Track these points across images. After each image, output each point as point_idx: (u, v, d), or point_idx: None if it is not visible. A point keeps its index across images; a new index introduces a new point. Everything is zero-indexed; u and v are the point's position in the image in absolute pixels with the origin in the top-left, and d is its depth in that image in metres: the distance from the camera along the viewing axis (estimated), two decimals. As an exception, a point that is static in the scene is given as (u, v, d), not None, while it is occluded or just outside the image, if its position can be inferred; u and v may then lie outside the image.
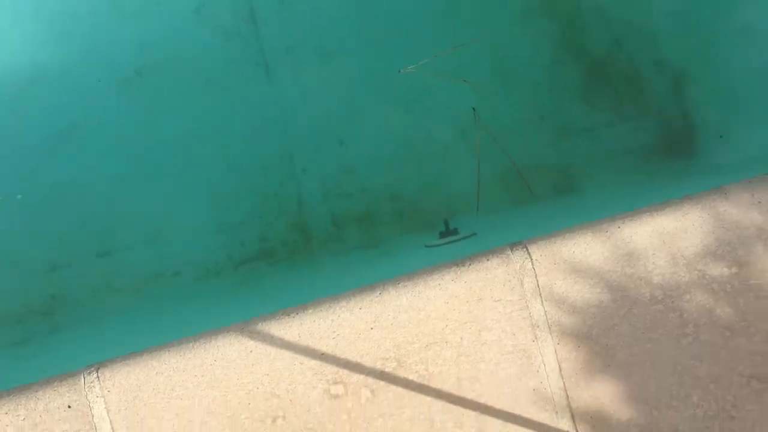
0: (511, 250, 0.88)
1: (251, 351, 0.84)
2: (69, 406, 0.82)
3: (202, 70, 1.47)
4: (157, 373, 0.84)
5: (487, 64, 1.33)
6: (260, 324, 0.85)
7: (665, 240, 0.89)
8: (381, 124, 1.36)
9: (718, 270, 0.89)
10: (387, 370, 0.86)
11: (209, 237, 1.37)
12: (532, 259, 0.87)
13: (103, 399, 0.83)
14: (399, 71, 1.09)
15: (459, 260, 0.88)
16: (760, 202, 0.89)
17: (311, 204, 1.40)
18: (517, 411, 0.88)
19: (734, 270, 0.89)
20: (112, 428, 0.83)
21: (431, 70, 1.10)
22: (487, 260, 0.88)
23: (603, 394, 0.88)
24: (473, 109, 1.08)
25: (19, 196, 1.41)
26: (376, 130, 1.34)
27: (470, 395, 0.87)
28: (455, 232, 1.09)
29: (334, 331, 0.85)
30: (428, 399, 0.87)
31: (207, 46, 1.49)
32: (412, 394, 0.86)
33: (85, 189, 1.45)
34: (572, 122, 1.34)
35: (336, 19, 1.42)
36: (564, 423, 0.88)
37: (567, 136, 1.31)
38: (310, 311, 0.86)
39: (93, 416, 0.83)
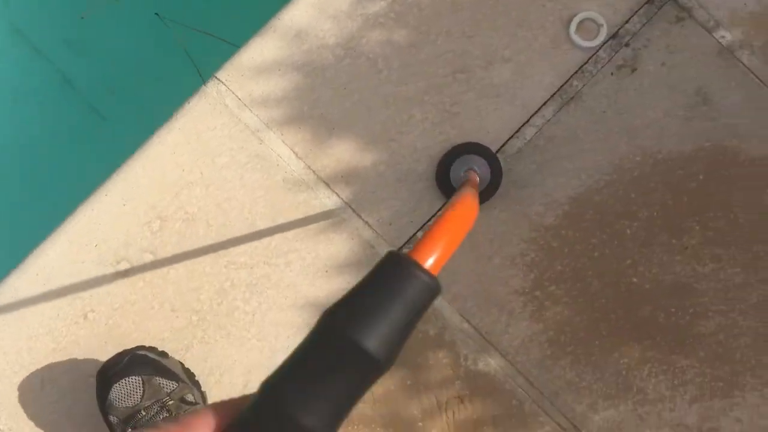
0: (204, 84, 0.98)
1: (38, 274, 0.95)
2: None
3: (46, 139, 1.60)
4: (-27, 330, 0.95)
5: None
6: (38, 248, 0.96)
7: (320, 7, 0.98)
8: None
9: (376, 5, 0.98)
10: (155, 229, 0.96)
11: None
12: (223, 82, 0.98)
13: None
14: (81, 17, 1.22)
15: (166, 118, 0.98)
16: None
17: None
18: (279, 205, 0.97)
19: (389, 0, 0.99)
20: (-41, 391, 0.94)
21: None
22: (188, 103, 0.98)
23: (341, 154, 0.97)
24: (156, 14, 1.21)
25: None
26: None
27: (233, 213, 0.97)
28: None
29: (95, 222, 0.96)
30: (201, 232, 0.97)
31: (42, 120, 1.61)
32: (187, 235, 0.96)
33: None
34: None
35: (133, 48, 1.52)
36: (322, 193, 0.97)
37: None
38: (71, 215, 0.97)
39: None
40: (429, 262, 0.25)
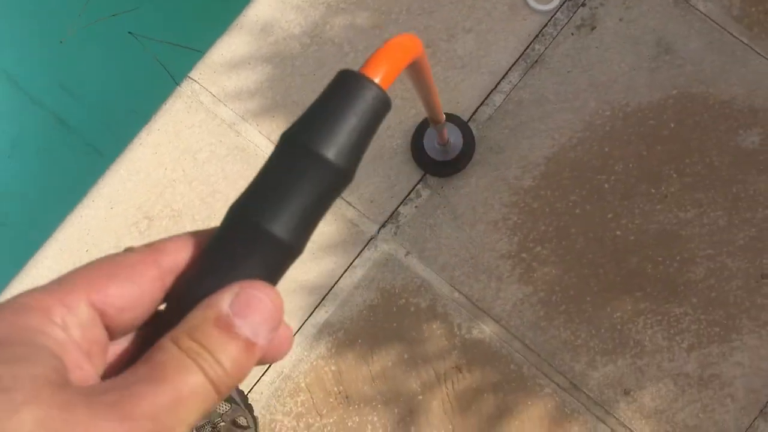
0: (178, 85, 1.01)
1: (33, 284, 0.97)
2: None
3: (51, 179, 1.63)
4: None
5: None
6: (32, 259, 0.99)
7: (283, 0, 1.02)
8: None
9: (338, -7, 1.02)
10: (142, 229, 0.98)
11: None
12: (196, 80, 1.01)
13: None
14: (60, 42, 1.26)
15: (146, 118, 1.01)
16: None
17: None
18: (260, 193, 0.99)
19: (350, -15, 1.02)
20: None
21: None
22: (165, 104, 1.01)
23: (316, 137, 0.99)
24: (130, 32, 1.25)
25: None
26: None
27: (218, 206, 0.99)
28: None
29: (84, 228, 0.98)
30: (188, 228, 0.99)
31: (42, 162, 1.66)
32: (174, 232, 0.98)
33: None
34: None
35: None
36: (301, 177, 0.99)
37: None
38: (61, 224, 0.99)
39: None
40: (378, 78, 0.27)
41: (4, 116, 1.59)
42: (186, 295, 0.24)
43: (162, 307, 0.25)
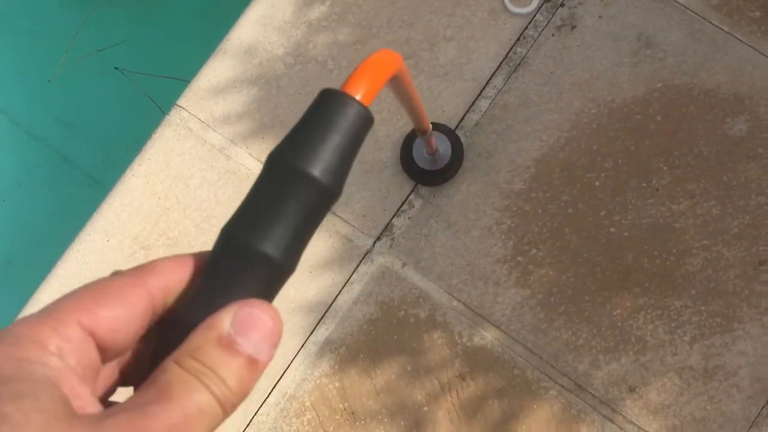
0: (167, 114, 1.02)
1: (36, 319, 0.98)
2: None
3: (56, 213, 1.65)
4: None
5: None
6: (32, 297, 1.00)
7: (264, 22, 1.03)
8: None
9: (317, 10, 1.02)
10: (140, 259, 0.99)
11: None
12: (184, 108, 1.02)
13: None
14: (48, 81, 1.28)
15: (138, 149, 1.02)
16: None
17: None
18: (254, 215, 1.00)
19: (328, 4, 1.03)
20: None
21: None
22: (155, 133, 1.02)
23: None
24: (116, 68, 1.27)
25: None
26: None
27: (213, 231, 1.00)
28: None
29: (82, 262, 0.99)
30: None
31: (47, 196, 1.67)
32: (170, 260, 0.99)
33: None
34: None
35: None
36: (293, 197, 1.00)
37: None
38: (60, 260, 1.00)
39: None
40: (359, 95, 0.27)
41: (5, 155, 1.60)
42: (184, 319, 0.24)
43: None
